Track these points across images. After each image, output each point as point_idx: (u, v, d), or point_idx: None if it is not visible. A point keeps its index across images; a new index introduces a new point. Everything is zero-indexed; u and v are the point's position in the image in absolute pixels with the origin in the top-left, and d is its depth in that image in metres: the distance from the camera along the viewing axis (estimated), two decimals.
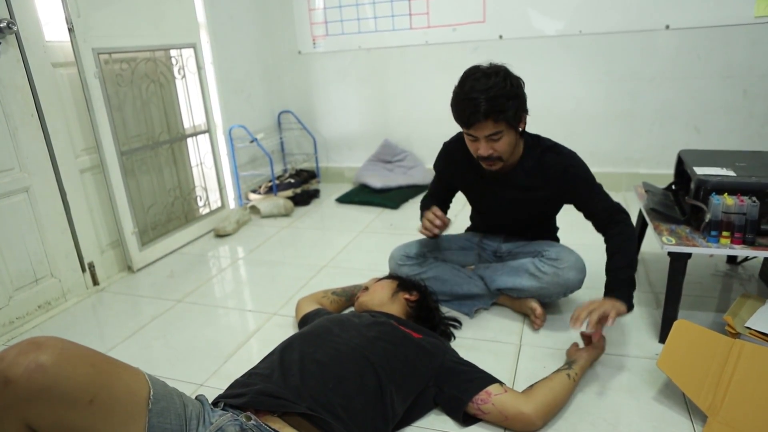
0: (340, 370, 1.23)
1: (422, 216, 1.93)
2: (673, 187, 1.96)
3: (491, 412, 1.33)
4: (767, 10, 2.73)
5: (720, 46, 2.86)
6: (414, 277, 1.90)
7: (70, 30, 2.15)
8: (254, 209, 3.26)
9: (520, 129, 1.70)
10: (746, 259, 2.15)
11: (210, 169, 3.06)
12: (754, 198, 1.53)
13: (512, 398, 1.33)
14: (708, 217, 1.57)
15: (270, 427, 1.05)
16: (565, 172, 1.72)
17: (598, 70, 3.11)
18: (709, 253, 1.57)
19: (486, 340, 1.76)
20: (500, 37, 3.22)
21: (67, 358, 0.89)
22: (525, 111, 1.68)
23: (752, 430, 1.22)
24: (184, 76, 2.83)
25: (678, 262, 1.60)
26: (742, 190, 1.57)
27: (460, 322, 1.84)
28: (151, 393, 0.98)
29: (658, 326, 1.74)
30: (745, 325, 1.48)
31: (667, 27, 2.91)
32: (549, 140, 1.80)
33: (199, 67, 2.88)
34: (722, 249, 1.55)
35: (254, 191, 3.50)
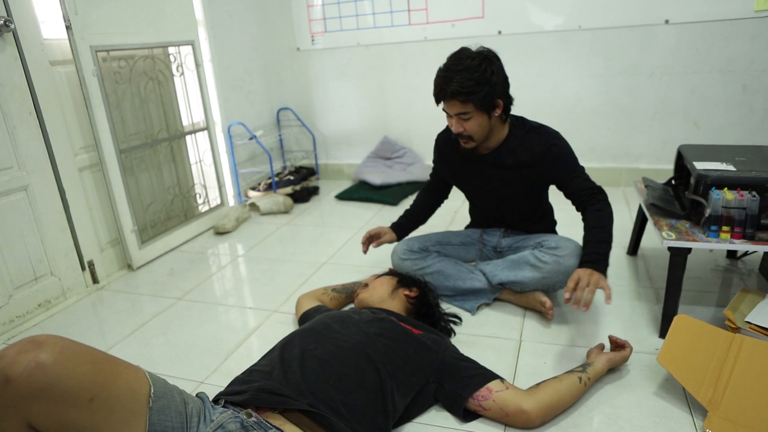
0: (341, 366, 1.23)
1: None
2: (673, 182, 1.96)
3: (492, 408, 1.33)
4: (767, 5, 2.72)
5: (720, 41, 2.85)
6: (417, 272, 1.92)
7: (68, 28, 2.14)
8: (254, 206, 3.26)
9: (497, 114, 1.73)
10: (746, 253, 2.15)
11: (209, 167, 3.05)
12: (754, 192, 1.53)
13: (513, 395, 1.33)
14: (708, 211, 1.57)
15: (271, 424, 1.05)
16: (549, 151, 1.77)
17: (597, 65, 3.10)
18: (709, 247, 1.57)
19: (486, 336, 1.76)
20: (499, 32, 3.21)
21: (68, 356, 0.89)
22: (500, 98, 1.71)
23: (752, 424, 1.22)
24: (182, 74, 2.83)
25: (678, 256, 1.60)
26: (742, 184, 1.57)
27: (460, 318, 1.84)
28: (152, 391, 0.98)
29: (658, 321, 1.74)
30: (746, 319, 1.48)
31: (667, 21, 2.90)
32: (534, 122, 1.85)
33: (198, 65, 2.87)
34: (722, 244, 1.55)
35: (253, 188, 3.50)
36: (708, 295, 1.92)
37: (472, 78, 1.63)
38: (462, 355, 1.48)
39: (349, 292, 1.99)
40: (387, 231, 2.11)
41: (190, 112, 2.90)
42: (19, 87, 2.00)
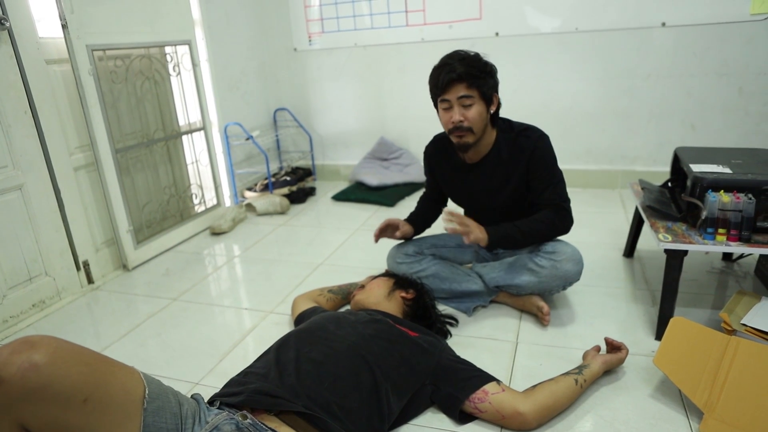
0: (336, 368, 1.23)
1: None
2: (670, 184, 1.96)
3: (488, 410, 1.32)
4: (762, 8, 2.73)
5: (716, 44, 2.86)
6: (412, 275, 1.90)
7: (64, 26, 2.13)
8: (250, 207, 3.25)
9: (492, 110, 1.75)
10: (742, 256, 2.16)
11: (205, 167, 3.05)
12: (749, 195, 1.53)
13: (509, 397, 1.33)
14: (704, 214, 1.57)
15: (266, 426, 1.05)
16: (532, 153, 1.78)
17: (594, 68, 3.11)
18: (705, 250, 1.57)
19: (483, 338, 1.76)
20: (496, 34, 3.21)
21: (61, 357, 0.88)
22: (497, 92, 1.75)
23: (748, 426, 1.22)
24: (179, 74, 2.82)
25: (674, 259, 1.60)
26: (738, 187, 1.57)
27: (456, 320, 1.84)
28: (147, 392, 0.97)
29: (654, 323, 1.74)
30: (741, 322, 1.49)
31: (663, 24, 2.91)
32: (521, 124, 1.85)
33: (195, 64, 2.86)
34: (718, 246, 1.55)
35: (250, 189, 3.49)
36: (704, 298, 1.92)
37: (476, 66, 1.67)
38: (458, 357, 1.48)
39: (345, 294, 1.99)
40: (404, 223, 2.02)
41: (186, 112, 2.89)
42: (14, 85, 1.99)
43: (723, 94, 2.94)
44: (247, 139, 3.29)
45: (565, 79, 3.18)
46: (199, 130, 2.97)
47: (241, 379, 1.23)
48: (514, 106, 3.27)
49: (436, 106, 1.79)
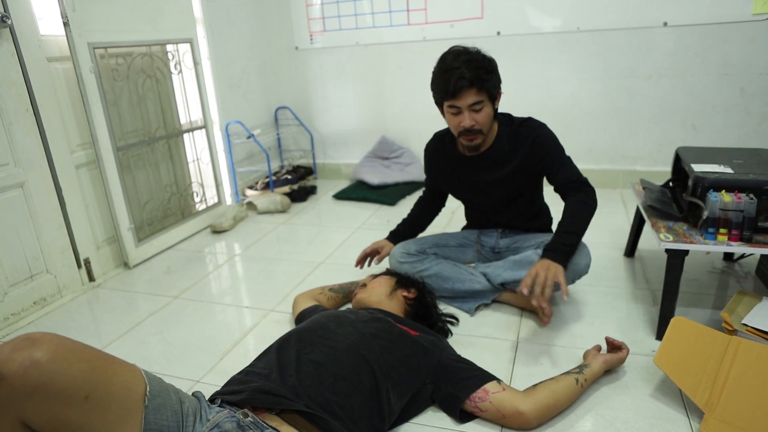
0: (336, 368, 1.23)
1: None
2: (671, 184, 1.96)
3: (488, 409, 1.33)
4: (764, 8, 2.73)
5: (717, 44, 2.86)
6: (415, 275, 1.90)
7: (66, 24, 2.13)
8: (251, 205, 3.25)
9: (497, 105, 1.76)
10: (743, 256, 2.16)
11: (207, 165, 3.05)
12: (751, 195, 1.53)
13: (510, 396, 1.33)
14: (705, 214, 1.57)
15: (267, 424, 1.05)
16: (534, 142, 1.78)
17: (595, 67, 3.11)
18: (706, 250, 1.57)
19: (483, 337, 1.76)
20: (498, 33, 3.21)
21: (63, 354, 0.88)
22: (500, 88, 1.75)
23: (749, 426, 1.22)
24: (180, 72, 2.82)
25: (675, 258, 1.60)
26: (739, 187, 1.57)
27: (457, 319, 1.84)
28: (148, 389, 0.98)
29: (655, 323, 1.74)
30: (742, 321, 1.49)
31: (665, 24, 2.91)
32: (520, 116, 1.86)
33: (196, 63, 2.87)
34: (719, 246, 1.55)
35: (251, 187, 3.49)
36: (705, 298, 1.92)
37: (481, 66, 1.66)
38: (459, 356, 1.47)
39: (346, 292, 1.99)
40: (385, 244, 2.08)
41: (187, 110, 2.89)
42: (15, 83, 1.99)
43: (724, 94, 2.94)
44: (249, 137, 3.29)
45: (567, 78, 3.17)
46: (200, 128, 2.97)
47: (242, 378, 1.23)
48: (515, 106, 3.25)
49: (439, 106, 1.78)
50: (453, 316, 1.84)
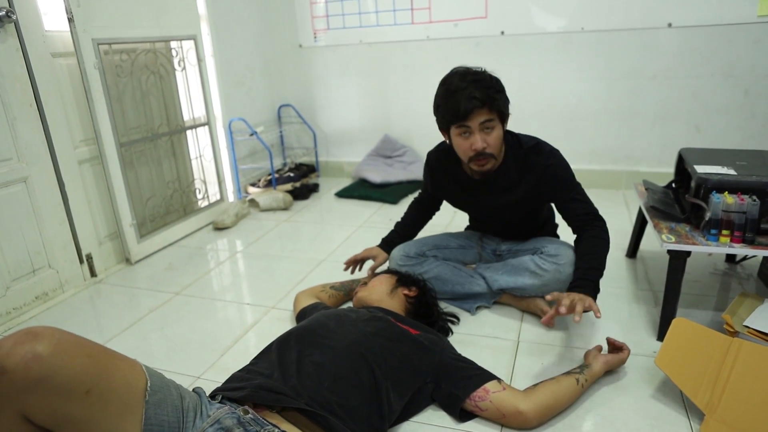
0: (336, 368, 1.23)
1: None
2: (674, 185, 1.96)
3: (488, 409, 1.32)
4: None
5: (722, 45, 2.85)
6: None
7: (70, 20, 2.13)
8: (253, 203, 3.26)
9: (506, 126, 1.71)
10: (745, 257, 2.15)
11: (209, 162, 3.05)
12: (754, 197, 1.53)
13: (510, 396, 1.33)
14: (708, 215, 1.57)
15: (268, 421, 1.05)
16: (544, 172, 1.72)
17: (599, 68, 3.10)
18: (708, 251, 1.57)
19: (484, 336, 1.76)
20: (502, 33, 3.21)
21: (64, 348, 0.89)
22: (509, 110, 1.68)
23: (749, 428, 1.22)
24: (184, 68, 2.82)
25: (677, 260, 1.60)
26: (742, 188, 1.57)
27: (458, 318, 1.84)
28: (149, 384, 0.98)
29: (656, 324, 1.74)
30: (744, 323, 1.48)
31: (670, 25, 2.90)
32: (530, 139, 1.78)
33: (200, 60, 2.87)
34: (722, 247, 1.55)
35: (253, 185, 3.49)
36: (706, 299, 1.92)
37: (490, 86, 1.60)
38: (459, 355, 1.47)
39: (347, 290, 1.99)
40: (377, 252, 2.06)
41: (191, 106, 2.90)
42: (20, 78, 1.99)
43: (729, 95, 2.93)
44: (251, 134, 3.29)
45: (571, 78, 3.17)
46: (203, 125, 2.97)
47: (244, 375, 1.24)
48: (518, 105, 3.25)
49: (445, 131, 1.71)
50: (454, 315, 1.84)
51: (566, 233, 2.02)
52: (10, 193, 2.00)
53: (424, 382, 1.38)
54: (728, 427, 1.24)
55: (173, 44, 2.74)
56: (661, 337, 1.66)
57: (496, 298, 1.92)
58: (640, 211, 2.15)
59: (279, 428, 1.04)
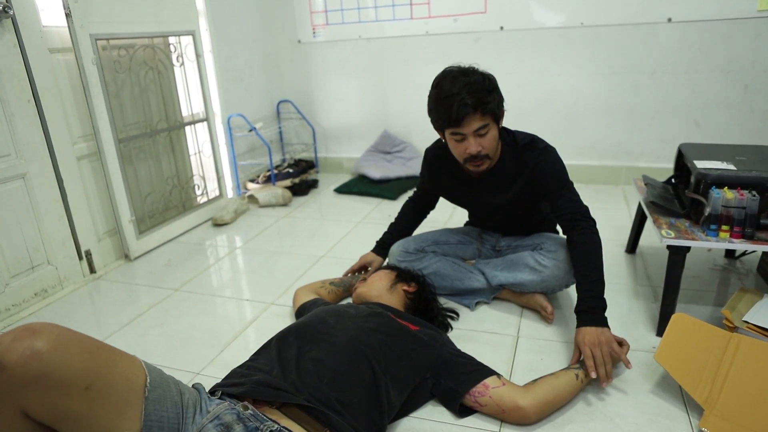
0: (336, 364, 1.23)
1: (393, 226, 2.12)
2: (673, 180, 1.96)
3: (488, 404, 1.33)
4: None
5: (722, 40, 2.84)
6: None
7: (68, 15, 2.12)
8: (252, 199, 3.25)
9: (501, 125, 1.69)
10: (744, 253, 2.15)
11: (208, 158, 3.04)
12: (754, 192, 1.53)
13: (510, 391, 1.33)
14: (708, 210, 1.57)
15: (267, 417, 1.05)
16: (535, 168, 1.70)
17: (598, 63, 3.09)
18: (708, 246, 1.57)
19: (484, 332, 1.76)
20: (501, 28, 3.20)
21: (63, 344, 0.88)
22: (503, 106, 1.66)
23: (749, 423, 1.22)
24: (182, 64, 2.81)
25: (677, 255, 1.60)
26: (742, 184, 1.57)
27: (457, 314, 1.84)
28: (148, 380, 0.98)
29: (655, 319, 1.74)
30: (743, 319, 1.48)
31: (669, 20, 2.89)
32: (525, 136, 1.76)
33: (198, 55, 2.86)
34: (721, 243, 1.55)
35: (252, 181, 3.49)
36: (706, 294, 1.92)
37: (483, 88, 1.56)
38: (459, 351, 1.47)
39: (347, 286, 1.99)
40: (372, 259, 2.06)
41: (189, 102, 2.89)
42: (17, 74, 1.99)
43: (728, 90, 2.92)
44: (250, 130, 3.29)
45: (570, 74, 3.16)
46: (202, 121, 2.96)
47: (243, 371, 1.23)
48: (517, 101, 3.27)
49: (440, 132, 1.71)
50: (453, 311, 1.84)
51: None
52: (9, 190, 2.00)
53: (423, 377, 1.38)
54: (727, 422, 1.24)
55: (171, 40, 2.73)
56: (660, 332, 1.66)
57: (496, 293, 1.93)
58: (639, 207, 2.15)
59: (279, 424, 1.04)
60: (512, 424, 1.33)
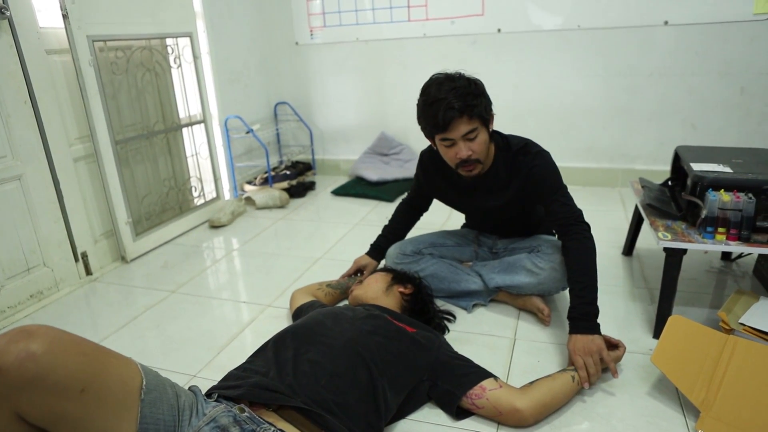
0: (333, 366, 1.23)
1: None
2: (670, 183, 1.96)
3: (485, 406, 1.32)
4: (765, 8, 2.72)
5: (718, 43, 2.85)
6: None
7: (65, 16, 2.12)
8: (249, 200, 3.25)
9: (491, 128, 1.68)
10: (741, 255, 2.16)
11: (205, 160, 3.04)
12: (750, 194, 1.53)
13: (507, 393, 1.33)
14: (704, 213, 1.57)
15: (264, 420, 1.04)
16: (529, 173, 1.70)
17: (595, 66, 3.10)
18: (704, 249, 1.57)
19: (481, 334, 1.76)
20: (498, 30, 3.20)
21: (59, 346, 0.88)
22: (492, 110, 1.65)
23: (745, 425, 1.23)
24: (179, 66, 2.81)
25: (673, 257, 1.60)
26: (738, 186, 1.57)
27: (454, 316, 1.84)
28: (144, 383, 0.97)
29: (652, 322, 1.74)
30: (739, 321, 1.49)
31: (666, 23, 2.90)
32: (519, 140, 1.75)
33: (195, 57, 2.86)
34: (718, 245, 1.55)
35: (249, 182, 3.49)
36: (702, 297, 1.92)
37: (469, 92, 1.56)
38: (456, 353, 1.47)
39: (344, 288, 1.98)
40: (367, 262, 2.06)
41: (186, 104, 2.89)
42: (14, 75, 1.98)
43: (724, 93, 2.93)
44: (248, 132, 3.29)
45: (567, 76, 3.17)
46: (199, 122, 2.96)
47: (240, 374, 1.23)
48: (515, 103, 3.28)
49: (430, 139, 1.71)
50: (450, 313, 1.84)
51: None
52: (5, 191, 1.99)
53: (420, 379, 1.38)
54: (724, 424, 1.25)
55: (169, 41, 2.73)
56: (657, 334, 1.66)
57: (493, 295, 1.93)
58: (636, 209, 2.15)
59: (275, 427, 1.03)
60: (509, 427, 1.33)
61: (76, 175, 2.28)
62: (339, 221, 2.93)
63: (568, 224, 1.66)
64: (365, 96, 3.69)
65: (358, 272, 2.07)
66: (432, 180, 1.94)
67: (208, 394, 1.14)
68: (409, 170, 3.50)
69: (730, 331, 1.46)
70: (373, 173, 3.46)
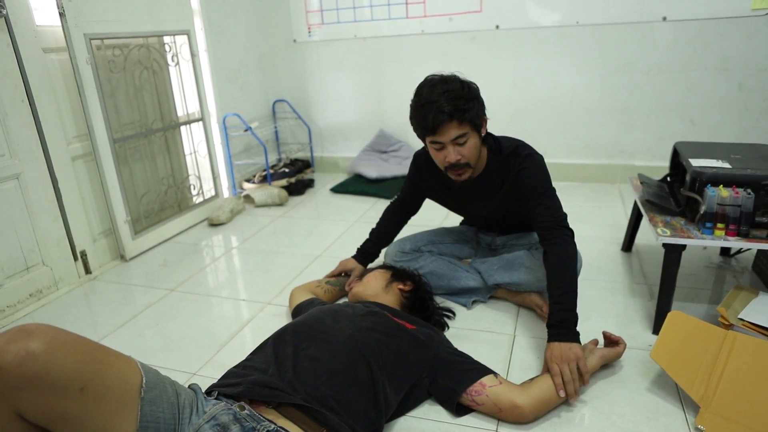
0: (333, 363, 1.23)
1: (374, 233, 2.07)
2: (669, 178, 1.96)
3: (485, 403, 1.33)
4: (763, 4, 2.72)
5: (716, 39, 2.85)
6: None
7: (61, 15, 2.11)
8: (248, 198, 3.24)
9: (483, 133, 1.65)
10: (740, 251, 2.16)
11: (204, 158, 3.04)
12: (749, 190, 1.53)
13: (506, 390, 1.33)
14: (703, 208, 1.57)
15: (264, 417, 1.04)
16: (517, 175, 1.68)
17: (594, 62, 3.10)
18: (703, 244, 1.57)
19: (480, 331, 1.76)
20: (497, 27, 3.20)
21: (58, 345, 0.88)
22: (485, 114, 1.63)
23: (744, 420, 1.23)
24: (177, 64, 2.80)
25: (672, 253, 1.60)
26: (737, 182, 1.57)
27: (453, 312, 1.84)
28: (144, 381, 0.97)
29: (651, 318, 1.74)
30: (738, 316, 1.49)
31: (664, 19, 2.90)
32: (511, 143, 1.73)
33: (193, 55, 2.85)
34: (717, 241, 1.55)
35: (248, 180, 3.48)
36: (701, 292, 1.92)
37: (461, 96, 1.54)
38: (456, 349, 1.47)
39: (343, 286, 1.98)
40: (353, 266, 2.01)
41: (185, 102, 2.88)
42: (11, 74, 1.98)
43: (723, 89, 2.93)
44: (246, 130, 3.28)
45: (565, 73, 3.17)
46: (197, 120, 2.95)
47: (240, 371, 1.23)
48: (513, 100, 3.27)
49: (422, 140, 1.68)
50: (450, 310, 1.84)
51: None
52: (3, 190, 1.99)
53: (420, 376, 1.38)
54: (723, 419, 1.25)
55: (166, 39, 2.72)
56: (656, 330, 1.67)
57: (492, 292, 1.93)
58: (635, 205, 2.16)
59: (275, 424, 1.03)
60: (509, 423, 1.33)
61: (75, 173, 2.28)
62: (338, 219, 2.93)
63: (549, 228, 1.62)
64: (364, 93, 3.68)
65: (342, 274, 2.03)
66: (427, 181, 1.92)
67: (208, 392, 1.14)
68: (408, 167, 3.50)
69: (729, 326, 1.46)
70: (371, 170, 3.46)
